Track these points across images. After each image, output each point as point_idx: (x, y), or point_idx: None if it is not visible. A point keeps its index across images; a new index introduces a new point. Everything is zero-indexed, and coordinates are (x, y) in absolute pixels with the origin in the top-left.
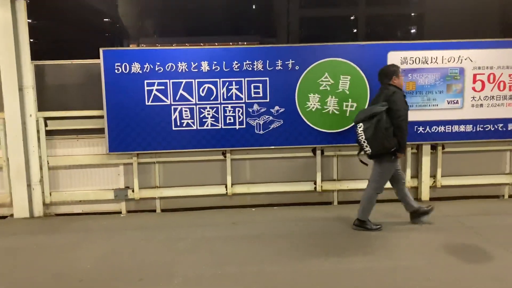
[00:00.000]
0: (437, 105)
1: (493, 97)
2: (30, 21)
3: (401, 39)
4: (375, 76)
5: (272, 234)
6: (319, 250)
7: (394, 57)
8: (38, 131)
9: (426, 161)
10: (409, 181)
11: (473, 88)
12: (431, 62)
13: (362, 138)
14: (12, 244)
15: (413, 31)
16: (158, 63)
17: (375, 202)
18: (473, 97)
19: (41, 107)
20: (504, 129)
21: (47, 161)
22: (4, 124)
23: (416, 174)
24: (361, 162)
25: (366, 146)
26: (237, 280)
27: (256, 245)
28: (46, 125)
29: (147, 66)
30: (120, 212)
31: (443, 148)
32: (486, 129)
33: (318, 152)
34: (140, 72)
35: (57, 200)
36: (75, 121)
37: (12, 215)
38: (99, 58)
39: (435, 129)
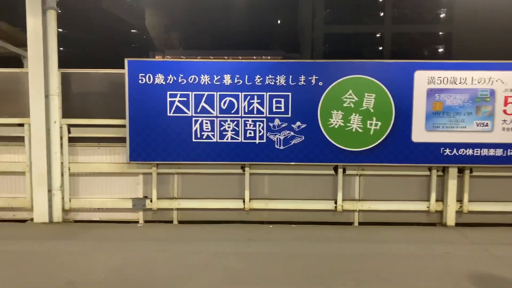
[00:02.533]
0: (465, 127)
1: None
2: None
3: (427, 58)
4: (401, 94)
5: (288, 253)
6: (333, 273)
7: (421, 76)
8: (61, 138)
9: (452, 184)
10: (433, 205)
11: (505, 111)
12: (460, 82)
13: None
14: (29, 248)
15: (440, 50)
16: (182, 75)
17: None
18: (504, 120)
19: (65, 114)
20: None
21: (68, 168)
22: (29, 130)
23: (442, 198)
24: None
25: None
26: None
27: (270, 264)
28: (69, 132)
29: (171, 78)
30: (137, 222)
31: (471, 171)
32: None
33: (340, 171)
34: (164, 83)
35: (76, 206)
36: (97, 129)
37: (32, 220)
38: (124, 68)
39: (463, 151)
